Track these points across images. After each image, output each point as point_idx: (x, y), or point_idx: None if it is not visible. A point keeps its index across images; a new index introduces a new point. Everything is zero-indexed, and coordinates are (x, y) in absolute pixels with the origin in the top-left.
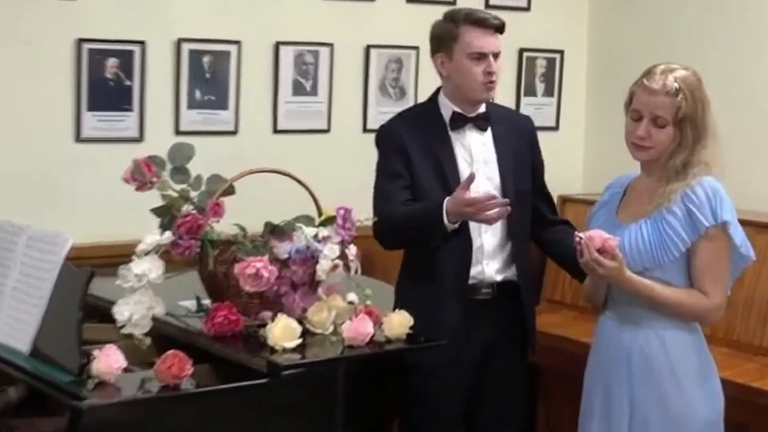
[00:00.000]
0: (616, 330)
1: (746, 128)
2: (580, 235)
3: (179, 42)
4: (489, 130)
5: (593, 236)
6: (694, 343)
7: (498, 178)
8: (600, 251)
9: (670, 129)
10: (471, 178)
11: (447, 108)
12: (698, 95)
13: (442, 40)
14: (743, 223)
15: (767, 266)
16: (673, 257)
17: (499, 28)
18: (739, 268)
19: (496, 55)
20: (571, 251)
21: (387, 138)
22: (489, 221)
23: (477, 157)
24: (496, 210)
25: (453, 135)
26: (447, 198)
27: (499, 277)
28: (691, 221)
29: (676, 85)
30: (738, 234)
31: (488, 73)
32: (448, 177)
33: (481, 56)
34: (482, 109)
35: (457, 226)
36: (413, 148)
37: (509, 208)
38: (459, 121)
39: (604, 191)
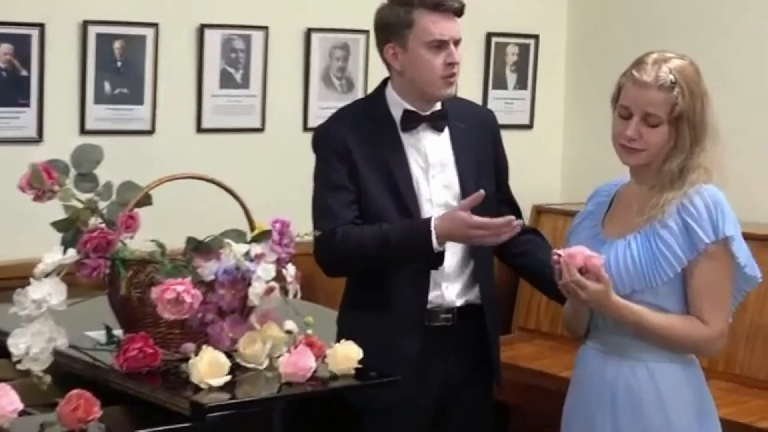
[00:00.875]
0: (600, 362)
1: (749, 128)
2: (559, 252)
3: (85, 24)
4: (446, 129)
5: (574, 254)
6: (688, 378)
7: (457, 185)
8: (582, 271)
9: (665, 128)
10: (480, 196)
11: (397, 105)
12: (697, 89)
13: (393, 27)
14: (745, 237)
15: None
16: (666, 278)
17: (458, 11)
18: (743, 291)
19: (456, 43)
20: (543, 266)
21: (327, 141)
22: (495, 243)
23: (433, 161)
24: (509, 232)
25: (404, 137)
26: (434, 217)
27: (459, 301)
28: (689, 237)
29: (671, 77)
30: (742, 252)
31: (449, 64)
32: (400, 186)
33: (441, 44)
34: (437, 105)
35: (443, 249)
36: (359, 154)
37: (520, 228)
38: (412, 121)
39: (587, 200)
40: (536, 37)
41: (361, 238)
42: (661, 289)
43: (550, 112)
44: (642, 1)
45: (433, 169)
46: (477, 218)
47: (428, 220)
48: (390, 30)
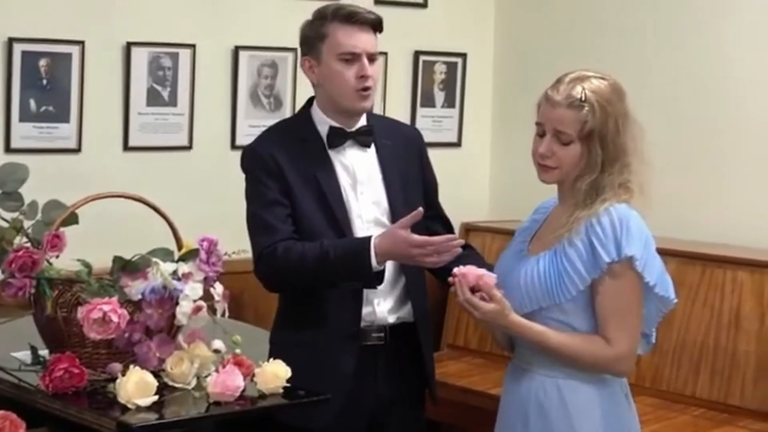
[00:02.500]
0: (518, 378)
1: (675, 146)
2: (455, 271)
3: (10, 42)
4: (372, 145)
5: (466, 273)
6: (600, 398)
7: (385, 200)
8: (474, 290)
9: (576, 146)
10: (419, 214)
11: (323, 122)
12: (612, 109)
13: (309, 41)
14: (671, 254)
15: (699, 304)
16: (570, 296)
17: (375, 25)
18: (661, 313)
19: (371, 57)
20: None
21: (257, 160)
22: (436, 264)
23: (361, 177)
24: (450, 252)
25: (331, 153)
26: (374, 236)
27: (392, 318)
28: (593, 256)
29: (581, 95)
30: (652, 271)
31: (362, 77)
32: (330, 202)
33: (353, 57)
34: (363, 121)
35: (382, 268)
36: (289, 171)
37: (461, 249)
38: (338, 137)
39: (529, 216)
40: (464, 55)
41: (302, 252)
42: (568, 307)
43: (477, 130)
44: (568, 20)
45: (361, 185)
46: (417, 237)
47: (368, 238)
48: (307, 44)
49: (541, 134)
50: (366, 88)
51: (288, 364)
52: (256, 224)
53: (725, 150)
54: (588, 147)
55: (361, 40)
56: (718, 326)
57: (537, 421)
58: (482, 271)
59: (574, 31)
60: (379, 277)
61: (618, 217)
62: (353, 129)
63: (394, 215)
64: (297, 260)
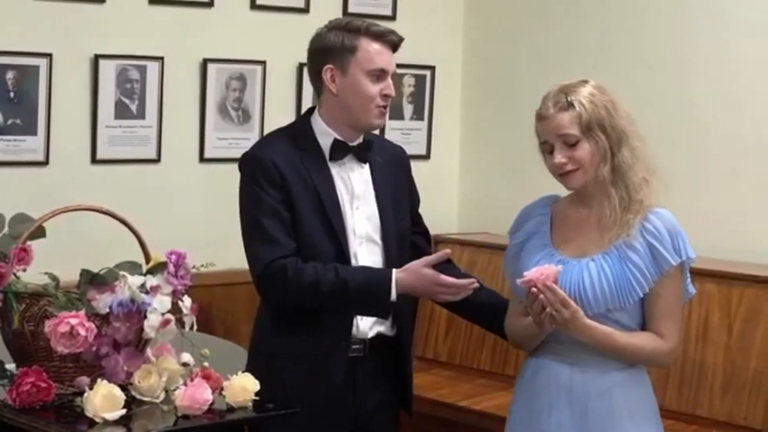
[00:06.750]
0: (564, 372)
1: None
2: (528, 276)
3: None
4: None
5: (547, 273)
6: (646, 383)
7: (377, 217)
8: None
9: (584, 143)
10: (446, 254)
11: (326, 134)
12: (598, 99)
13: (335, 50)
14: None
15: None
16: (637, 297)
17: (397, 46)
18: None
19: (392, 76)
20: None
21: (260, 167)
22: (449, 300)
23: (358, 192)
24: (464, 293)
25: (331, 165)
26: (394, 270)
27: (371, 333)
28: (654, 259)
29: (566, 98)
30: (688, 272)
31: (385, 96)
32: (329, 215)
33: (381, 75)
34: (361, 137)
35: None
36: (291, 180)
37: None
38: (340, 151)
39: (521, 222)
40: (432, 68)
41: (316, 276)
42: (630, 307)
43: (446, 143)
44: (536, 33)
45: (357, 200)
46: (445, 277)
47: (389, 272)
48: (331, 53)
49: (549, 151)
50: (385, 106)
51: (274, 373)
52: (256, 232)
53: (692, 162)
54: (593, 138)
55: (389, 59)
56: (686, 338)
57: (599, 404)
58: (550, 267)
59: (543, 44)
60: (391, 307)
61: (670, 221)
62: (355, 143)
63: (385, 232)
64: (311, 284)
